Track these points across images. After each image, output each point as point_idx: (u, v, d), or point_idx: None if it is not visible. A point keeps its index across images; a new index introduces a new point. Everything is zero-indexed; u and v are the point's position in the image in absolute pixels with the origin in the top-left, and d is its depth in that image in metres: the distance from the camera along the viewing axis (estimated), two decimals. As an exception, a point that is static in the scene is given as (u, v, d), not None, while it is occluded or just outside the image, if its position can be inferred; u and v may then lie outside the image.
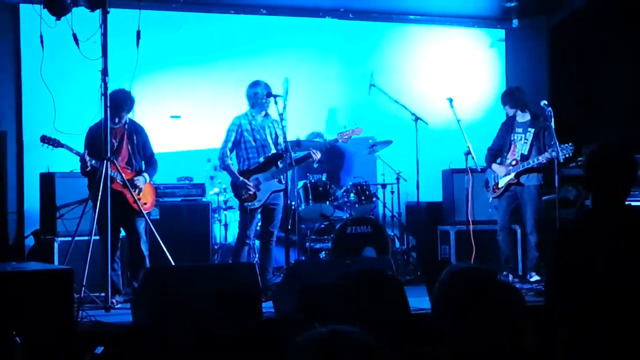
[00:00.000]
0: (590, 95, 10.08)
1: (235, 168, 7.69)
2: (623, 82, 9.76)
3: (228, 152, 7.68)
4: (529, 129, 8.03)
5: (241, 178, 7.55)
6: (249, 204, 7.55)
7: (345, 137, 8.03)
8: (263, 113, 7.70)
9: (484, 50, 10.96)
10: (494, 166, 8.23)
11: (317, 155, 7.79)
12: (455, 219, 8.87)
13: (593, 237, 3.51)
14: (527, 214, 8.04)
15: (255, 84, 7.65)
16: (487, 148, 8.41)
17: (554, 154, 7.62)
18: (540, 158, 7.79)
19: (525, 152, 8.01)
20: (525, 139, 8.05)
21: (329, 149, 8.34)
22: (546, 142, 7.84)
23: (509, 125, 8.24)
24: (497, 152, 8.32)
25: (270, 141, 7.69)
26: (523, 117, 8.13)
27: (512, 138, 8.16)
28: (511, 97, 8.16)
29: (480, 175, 8.51)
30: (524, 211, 8.07)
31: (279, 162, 7.64)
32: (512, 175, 8.03)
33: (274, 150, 7.69)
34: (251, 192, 7.52)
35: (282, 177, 7.63)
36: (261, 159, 7.65)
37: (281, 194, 7.67)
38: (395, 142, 9.09)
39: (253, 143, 7.64)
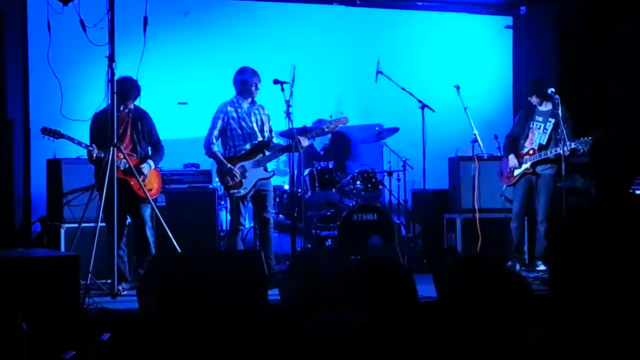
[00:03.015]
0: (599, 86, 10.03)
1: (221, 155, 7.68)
2: (632, 70, 9.71)
3: (214, 140, 7.64)
4: (550, 119, 7.93)
5: (228, 165, 7.54)
6: (235, 191, 7.53)
7: (332, 126, 7.96)
8: (249, 100, 7.66)
9: (491, 37, 10.91)
10: (511, 157, 8.12)
11: (305, 143, 7.71)
12: (462, 206, 8.84)
13: (597, 227, 3.49)
14: (540, 203, 7.99)
15: (241, 70, 7.62)
16: (506, 135, 8.33)
17: (573, 145, 7.55)
18: (557, 149, 7.71)
19: (544, 142, 7.94)
20: (545, 128, 7.96)
21: (335, 137, 8.31)
22: (564, 134, 7.76)
23: (529, 112, 8.14)
24: (515, 139, 8.21)
25: (256, 128, 7.65)
26: (545, 106, 8.02)
27: (530, 126, 8.07)
28: (538, 87, 8.00)
29: (486, 163, 8.48)
30: (538, 200, 8.01)
31: (265, 150, 7.63)
32: (528, 164, 7.98)
33: (260, 138, 7.67)
34: (237, 179, 7.50)
35: (267, 164, 7.64)
36: (247, 147, 7.62)
37: (270, 180, 7.67)
38: (402, 129, 9.06)
39: (239, 130, 7.61)
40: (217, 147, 7.66)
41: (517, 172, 8.05)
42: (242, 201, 7.57)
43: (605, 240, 3.42)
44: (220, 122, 7.62)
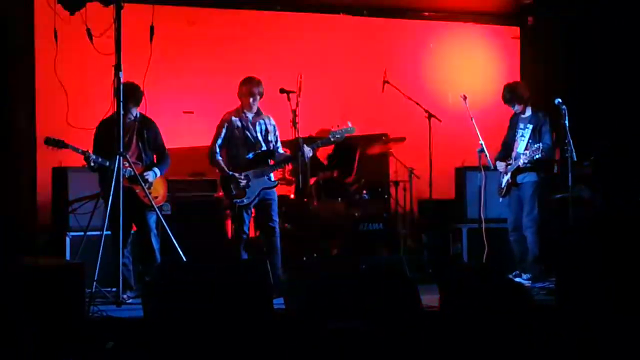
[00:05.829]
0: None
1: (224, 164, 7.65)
2: (639, 79, 9.68)
3: (217, 149, 7.61)
4: (528, 125, 7.95)
5: (230, 172, 7.50)
6: (238, 200, 7.49)
7: (338, 136, 7.93)
8: (254, 110, 7.65)
9: (498, 47, 10.90)
10: (498, 164, 8.14)
11: (310, 153, 7.68)
12: (468, 216, 8.84)
13: (607, 235, 3.48)
14: (524, 211, 7.94)
15: (244, 81, 7.61)
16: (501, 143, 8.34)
17: (536, 153, 7.56)
18: (523, 158, 7.73)
19: (521, 151, 7.92)
20: (523, 135, 7.97)
21: (341, 146, 8.30)
22: (543, 139, 7.77)
23: (513, 121, 8.18)
24: (507, 149, 8.22)
25: (260, 138, 7.63)
26: (526, 112, 8.05)
27: (516, 134, 8.08)
28: (514, 93, 8.04)
29: (493, 173, 8.47)
30: (523, 208, 7.97)
31: (269, 160, 7.62)
32: (509, 175, 7.97)
33: (264, 148, 7.66)
34: (242, 185, 7.47)
35: (272, 174, 7.62)
36: (251, 156, 7.60)
37: (274, 189, 7.66)
38: (408, 139, 9.05)
39: (243, 140, 7.60)
40: (219, 157, 7.64)
41: (503, 182, 8.05)
42: (245, 210, 7.56)
43: (614, 250, 3.41)
44: (224, 130, 7.61)
